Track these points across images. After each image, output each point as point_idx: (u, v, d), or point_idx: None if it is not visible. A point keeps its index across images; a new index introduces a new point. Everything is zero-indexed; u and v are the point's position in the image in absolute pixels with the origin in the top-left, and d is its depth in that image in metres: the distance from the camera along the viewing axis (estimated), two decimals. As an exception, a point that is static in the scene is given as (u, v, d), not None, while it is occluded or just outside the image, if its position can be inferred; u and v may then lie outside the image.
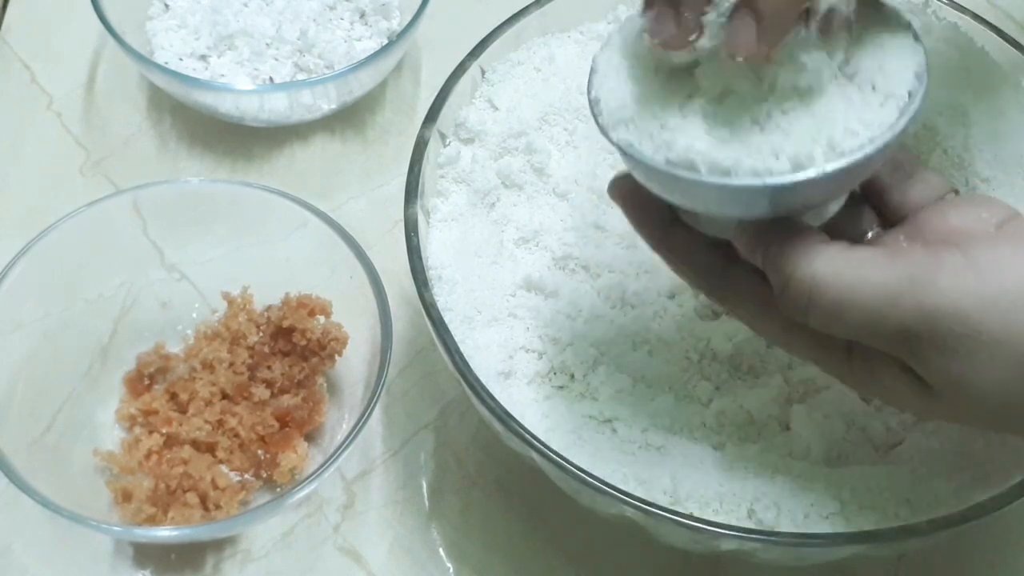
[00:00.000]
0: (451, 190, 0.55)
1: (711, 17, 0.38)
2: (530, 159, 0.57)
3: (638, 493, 0.45)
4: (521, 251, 0.56)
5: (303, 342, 0.56)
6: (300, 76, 0.68)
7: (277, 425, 0.55)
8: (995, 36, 0.57)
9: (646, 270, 0.54)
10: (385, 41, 0.70)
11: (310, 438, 0.56)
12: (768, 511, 0.46)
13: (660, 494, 0.46)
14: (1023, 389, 0.37)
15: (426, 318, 0.48)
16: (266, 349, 0.57)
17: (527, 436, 0.45)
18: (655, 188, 0.41)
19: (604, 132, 0.41)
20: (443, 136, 0.56)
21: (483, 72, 0.58)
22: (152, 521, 0.51)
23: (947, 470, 0.47)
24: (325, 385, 0.57)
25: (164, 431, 0.54)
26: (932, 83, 0.39)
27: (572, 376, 0.52)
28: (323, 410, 0.56)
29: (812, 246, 0.39)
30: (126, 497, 0.52)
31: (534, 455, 0.45)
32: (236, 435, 0.54)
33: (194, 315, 0.60)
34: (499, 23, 0.58)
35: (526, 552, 0.54)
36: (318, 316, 0.57)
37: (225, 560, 0.53)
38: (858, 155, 0.37)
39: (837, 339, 0.40)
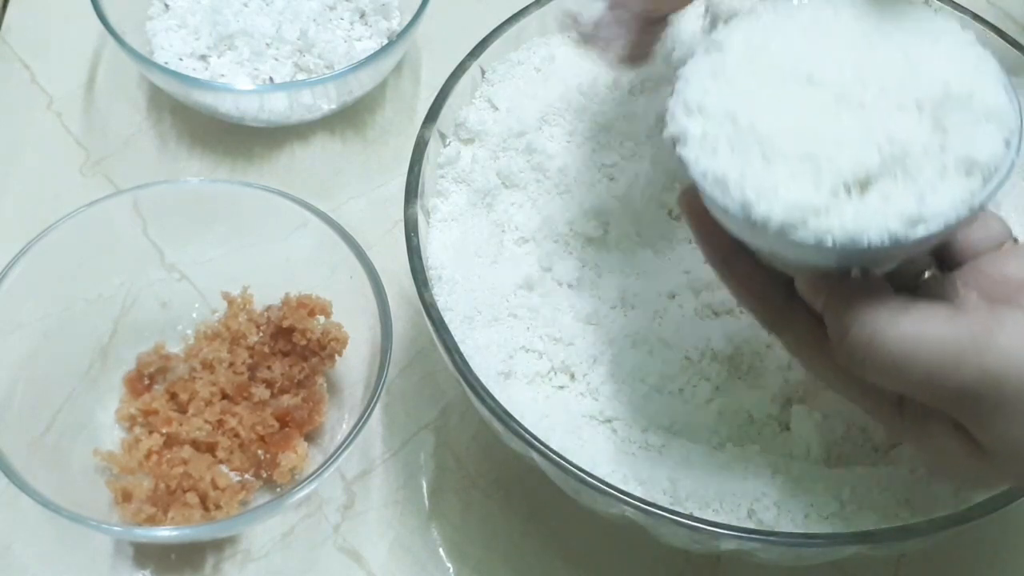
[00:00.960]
0: (451, 190, 0.55)
1: None
2: (530, 159, 0.57)
3: (638, 493, 0.45)
4: (521, 251, 0.56)
5: (303, 342, 0.56)
6: (300, 76, 0.68)
7: (277, 425, 0.55)
8: (995, 36, 0.57)
9: (646, 270, 0.54)
10: (385, 41, 0.70)
11: (310, 438, 0.56)
12: (768, 511, 0.46)
13: (660, 494, 0.46)
14: None
15: (426, 318, 0.48)
16: (266, 349, 0.57)
17: (527, 436, 0.45)
18: (724, 222, 0.40)
19: (685, 163, 0.39)
20: (443, 136, 0.56)
21: (483, 72, 0.58)
22: (152, 521, 0.51)
23: (947, 470, 0.47)
24: (325, 385, 0.57)
25: (164, 431, 0.54)
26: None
27: (572, 376, 0.52)
28: (323, 410, 0.56)
29: (874, 299, 0.38)
30: (126, 497, 0.52)
31: (534, 455, 0.45)
32: (236, 435, 0.54)
33: (194, 315, 0.60)
34: (499, 23, 0.58)
35: (526, 552, 0.54)
36: (318, 316, 0.57)
37: (225, 560, 0.53)
38: (937, 226, 0.36)
39: (890, 391, 0.39)
